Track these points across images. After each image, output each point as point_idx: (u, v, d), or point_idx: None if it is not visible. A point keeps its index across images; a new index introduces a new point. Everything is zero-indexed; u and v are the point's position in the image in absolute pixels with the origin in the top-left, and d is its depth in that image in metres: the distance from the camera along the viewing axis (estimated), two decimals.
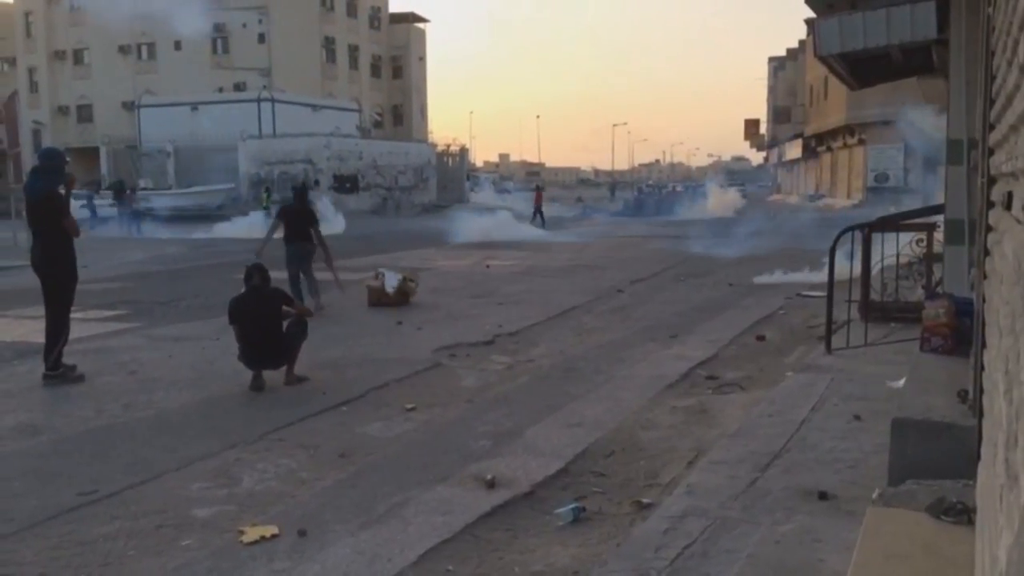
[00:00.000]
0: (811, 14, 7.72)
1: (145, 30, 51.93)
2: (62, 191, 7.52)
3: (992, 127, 2.97)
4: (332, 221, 28.44)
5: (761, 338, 9.09)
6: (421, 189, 48.39)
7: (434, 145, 55.57)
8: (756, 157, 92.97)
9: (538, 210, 32.61)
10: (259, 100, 45.83)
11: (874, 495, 3.53)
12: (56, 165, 7.57)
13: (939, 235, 7.48)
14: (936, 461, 3.76)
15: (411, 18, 66.42)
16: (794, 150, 65.31)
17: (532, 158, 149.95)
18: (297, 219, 11.50)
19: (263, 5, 51.26)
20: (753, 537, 3.82)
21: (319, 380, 7.37)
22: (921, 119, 20.37)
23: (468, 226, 25.94)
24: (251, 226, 24.83)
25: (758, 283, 13.64)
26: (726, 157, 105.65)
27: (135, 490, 4.85)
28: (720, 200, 42.28)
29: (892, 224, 8.31)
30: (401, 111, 66.02)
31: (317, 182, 40.82)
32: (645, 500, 4.59)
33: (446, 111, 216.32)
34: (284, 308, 7.31)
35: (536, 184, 43.41)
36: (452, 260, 18.48)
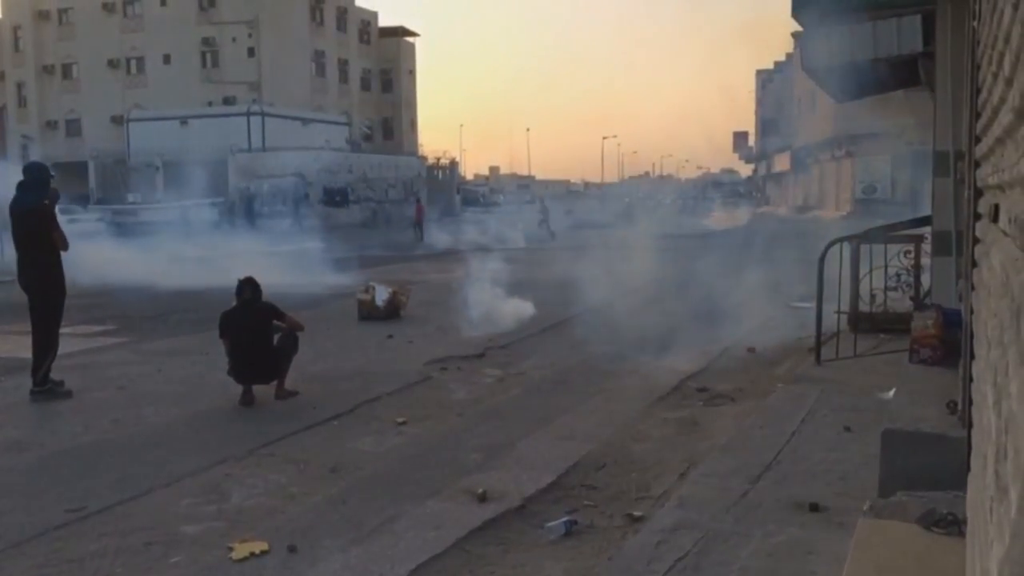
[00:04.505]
0: (799, 27, 7.78)
1: (135, 44, 51.96)
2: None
3: (978, 139, 2.99)
4: None
5: (751, 350, 9.11)
6: (411, 202, 48.44)
7: (424, 158, 55.63)
8: (745, 169, 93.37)
9: (418, 224, 31.93)
10: (248, 114, 45.76)
11: (865, 506, 3.53)
12: (41, 179, 7.53)
13: (927, 247, 7.52)
14: (926, 472, 3.77)
15: (401, 32, 66.56)
16: (782, 162, 65.64)
17: (522, 171, 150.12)
18: None
19: (253, 19, 51.30)
20: (745, 549, 3.82)
21: (309, 394, 7.34)
22: None
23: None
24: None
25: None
26: (715, 169, 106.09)
27: (124, 507, 4.82)
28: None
29: (880, 236, 8.35)
30: (391, 124, 66.05)
31: (307, 195, 40.82)
32: (637, 513, 4.58)
33: (436, 124, 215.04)
34: (275, 322, 7.29)
35: (416, 196, 41.45)
36: (443, 273, 18.47)
